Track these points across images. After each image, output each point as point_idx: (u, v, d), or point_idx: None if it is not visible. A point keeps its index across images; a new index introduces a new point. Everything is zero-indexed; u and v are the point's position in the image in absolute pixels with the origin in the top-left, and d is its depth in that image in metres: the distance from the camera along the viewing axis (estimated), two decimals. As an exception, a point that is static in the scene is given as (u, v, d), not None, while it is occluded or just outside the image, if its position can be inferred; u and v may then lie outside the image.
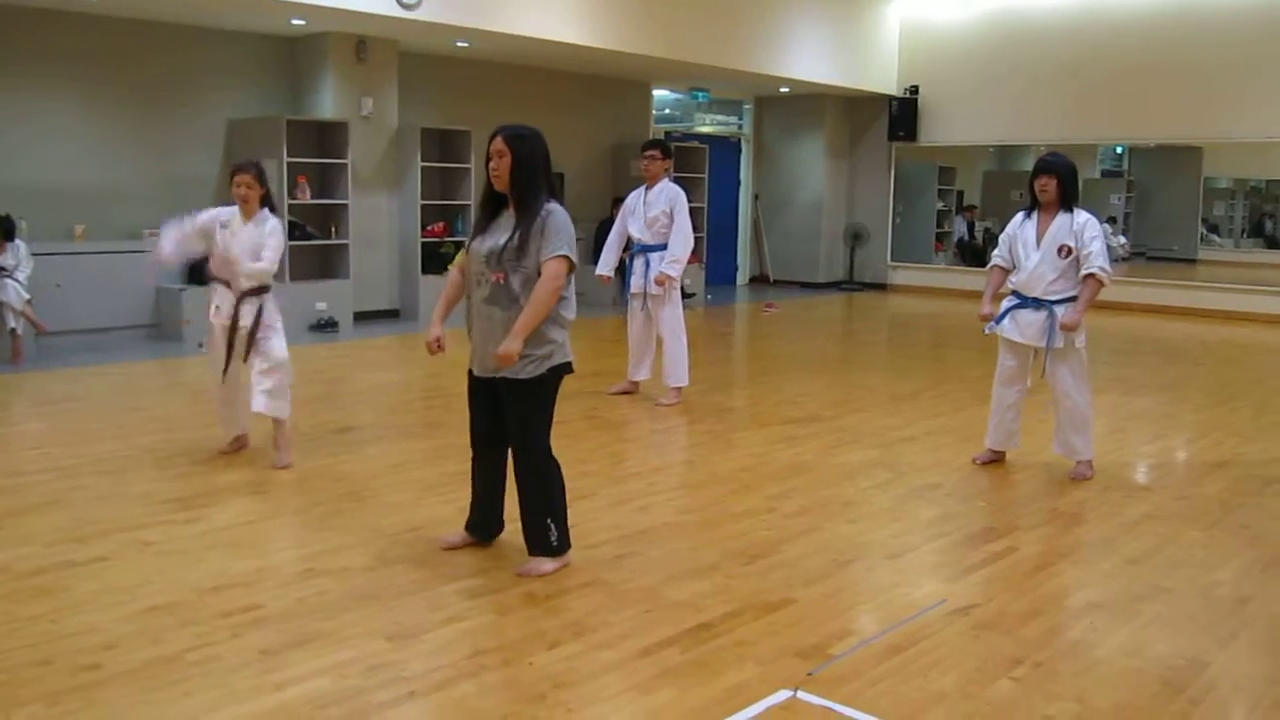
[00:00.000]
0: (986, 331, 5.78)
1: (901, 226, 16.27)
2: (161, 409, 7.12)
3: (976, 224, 17.01)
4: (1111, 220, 16.75)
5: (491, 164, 4.00)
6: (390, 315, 11.61)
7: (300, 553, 4.35)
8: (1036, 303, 5.56)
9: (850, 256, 16.39)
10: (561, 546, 4.15)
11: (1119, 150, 16.94)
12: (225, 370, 5.70)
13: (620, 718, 3.07)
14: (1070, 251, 5.46)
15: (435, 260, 11.72)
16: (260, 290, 5.63)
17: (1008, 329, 5.69)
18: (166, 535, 4.50)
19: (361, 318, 11.11)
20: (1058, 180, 5.50)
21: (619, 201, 13.16)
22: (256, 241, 5.57)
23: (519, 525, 4.27)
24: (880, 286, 16.20)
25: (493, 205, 4.09)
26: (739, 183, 16.55)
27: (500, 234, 4.00)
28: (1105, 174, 17.51)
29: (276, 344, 5.62)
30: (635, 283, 7.45)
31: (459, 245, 11.80)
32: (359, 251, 10.99)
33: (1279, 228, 15.25)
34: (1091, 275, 5.42)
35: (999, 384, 5.86)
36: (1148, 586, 4.18)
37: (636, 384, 7.67)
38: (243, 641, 3.46)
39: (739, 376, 9.39)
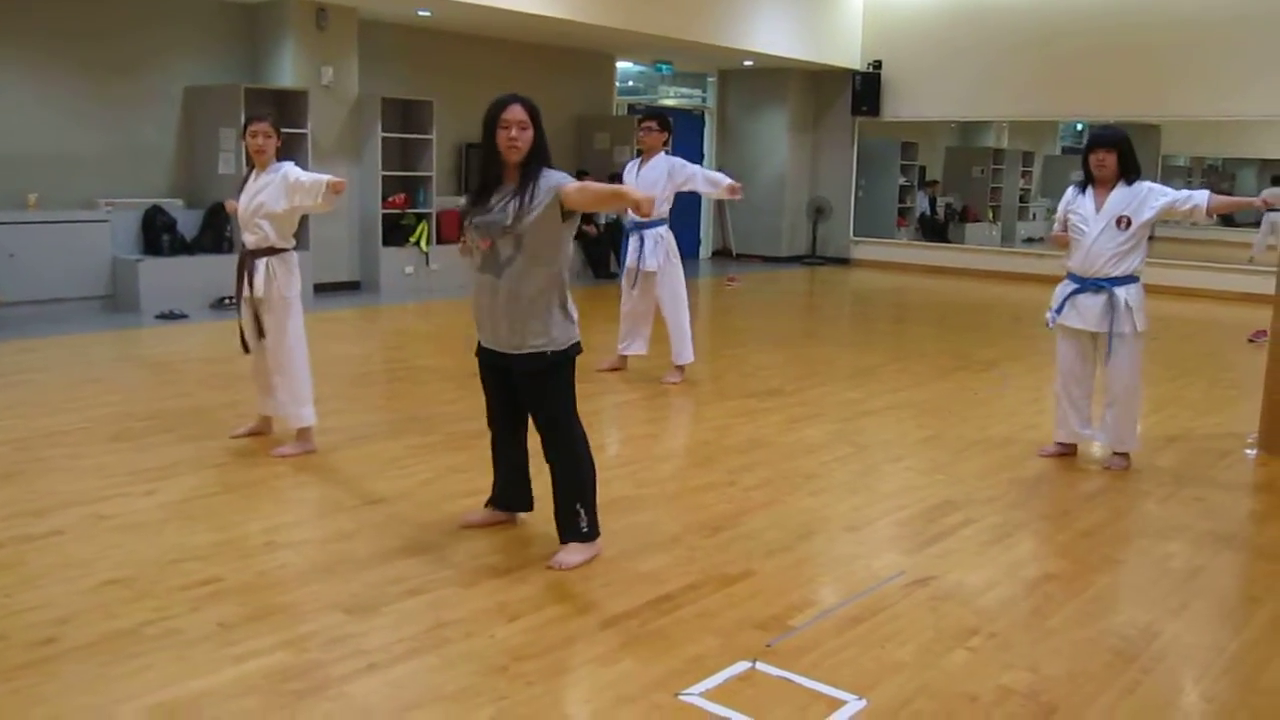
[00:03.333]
0: (1049, 326, 5.50)
1: (864, 201, 16.33)
2: (118, 381, 7.04)
3: (938, 199, 17.11)
4: (1071, 196, 16.88)
5: (511, 134, 3.73)
6: (350, 287, 11.52)
7: (259, 526, 4.33)
8: (1095, 285, 5.30)
9: (813, 231, 16.43)
10: (592, 533, 4.00)
11: (1079, 127, 17.05)
12: (244, 341, 5.39)
13: (581, 689, 3.09)
14: (1130, 223, 5.18)
15: (396, 232, 11.63)
16: (269, 251, 5.21)
17: (1067, 316, 5.39)
18: (124, 508, 4.46)
19: (321, 290, 11.01)
20: (1117, 154, 5.19)
21: (615, 178, 13.20)
22: (265, 193, 5.17)
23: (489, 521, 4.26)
24: (842, 261, 16.26)
25: (492, 177, 3.86)
26: (702, 156, 16.51)
27: (497, 203, 3.81)
28: (1065, 150, 17.63)
29: (285, 343, 5.26)
30: (630, 259, 7.33)
31: (420, 217, 11.73)
32: (318, 222, 10.86)
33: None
34: (1200, 205, 5.19)
35: (1063, 375, 5.54)
36: (1102, 558, 4.25)
37: (625, 359, 7.63)
38: (201, 615, 3.44)
39: (701, 350, 9.37)
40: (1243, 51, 12.74)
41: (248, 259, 5.26)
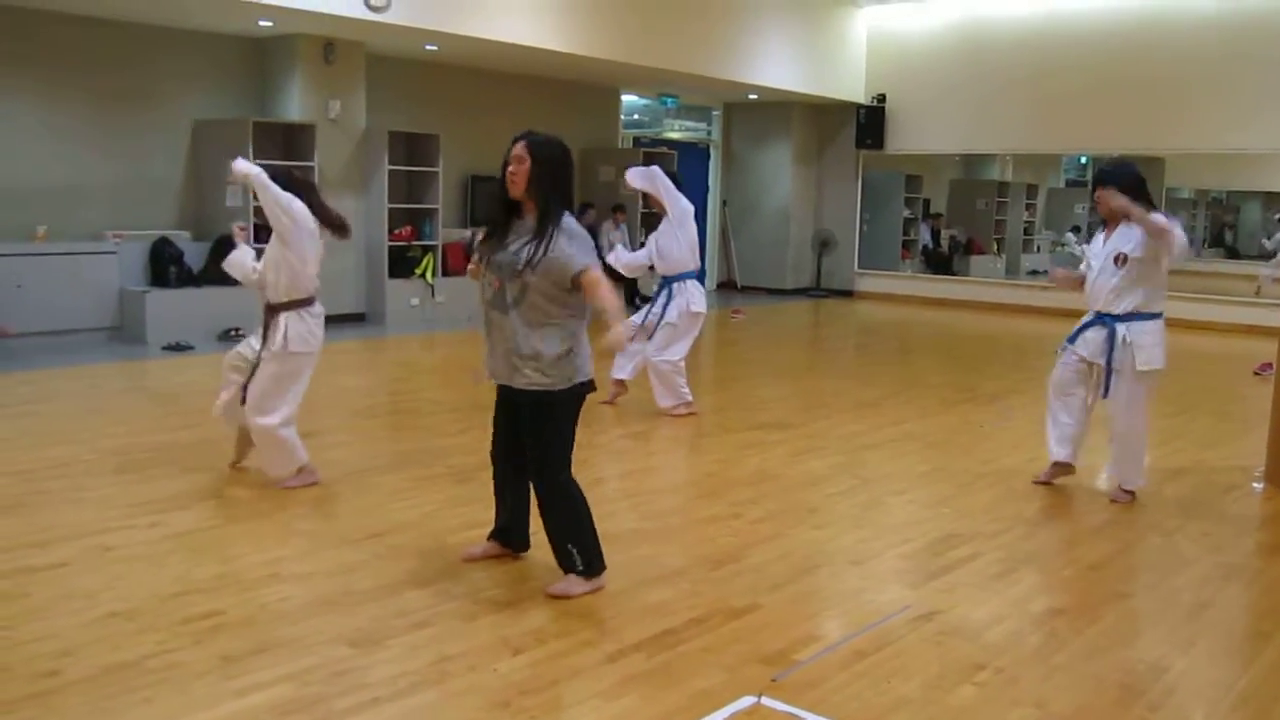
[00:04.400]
0: (1059, 351, 5.56)
1: (868, 234, 16.37)
2: (124, 412, 7.05)
3: (942, 232, 17.15)
4: (1075, 229, 16.93)
5: (510, 169, 3.82)
6: (356, 319, 11.55)
7: (263, 558, 4.32)
8: (1100, 320, 5.35)
9: (817, 263, 16.46)
10: (590, 569, 3.97)
11: (1083, 160, 17.13)
12: (224, 401, 5.33)
13: (585, 724, 3.07)
14: (1126, 260, 5.20)
15: (402, 264, 11.67)
16: (287, 306, 5.19)
17: (1078, 345, 5.44)
18: (127, 540, 4.45)
19: (327, 321, 10.92)
20: (1117, 190, 5.19)
21: (619, 209, 13.22)
22: (272, 253, 5.19)
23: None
24: (847, 293, 16.28)
25: (506, 213, 3.92)
26: (707, 189, 16.58)
27: (513, 243, 3.85)
28: (1070, 183, 17.69)
29: (260, 403, 5.09)
30: (655, 312, 7.28)
31: (426, 249, 11.77)
32: (326, 253, 10.88)
33: (1239, 238, 15.48)
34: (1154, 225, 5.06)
35: (1052, 389, 5.59)
36: (1108, 592, 4.22)
37: (624, 384, 7.58)
38: (204, 648, 3.43)
39: (706, 382, 9.40)
40: (1247, 85, 12.79)
41: (267, 314, 5.23)
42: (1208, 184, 16.67)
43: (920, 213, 16.91)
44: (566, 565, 4.00)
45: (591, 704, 3.16)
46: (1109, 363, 5.28)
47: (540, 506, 4.03)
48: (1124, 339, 5.24)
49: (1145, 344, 5.24)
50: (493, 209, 3.97)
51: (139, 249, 9.94)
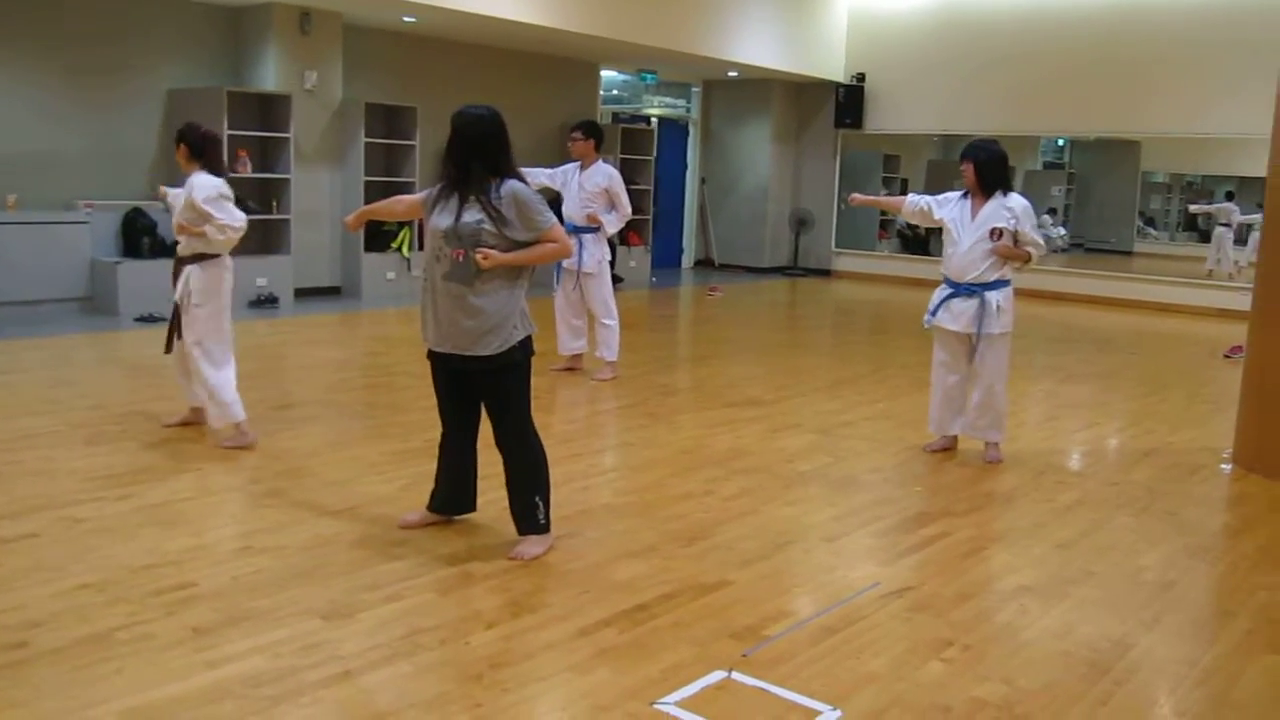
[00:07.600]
0: (925, 325, 5.80)
1: (846, 213, 16.39)
2: (95, 384, 6.99)
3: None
4: (1052, 211, 17.02)
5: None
6: (331, 292, 11.49)
7: (235, 530, 4.31)
8: (968, 290, 5.59)
9: (795, 242, 16.48)
10: (548, 525, 4.14)
11: (1060, 143, 17.19)
12: (168, 343, 5.59)
13: (556, 697, 3.08)
14: (1002, 234, 5.48)
15: (378, 238, 11.60)
16: (195, 257, 5.41)
17: (943, 319, 5.70)
18: (98, 512, 4.43)
19: (302, 294, 10.97)
20: (974, 166, 5.50)
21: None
22: (178, 203, 5.42)
23: (479, 513, 4.26)
24: (824, 272, 16.32)
25: (449, 182, 4.02)
26: (685, 166, 16.56)
27: (455, 211, 3.93)
28: (1047, 166, 17.73)
29: (198, 347, 5.40)
30: (568, 262, 7.41)
31: (402, 223, 11.71)
32: (300, 227, 10.86)
33: (1212, 222, 15.60)
34: (1029, 253, 5.56)
35: (937, 372, 5.86)
36: (1076, 571, 4.27)
37: (578, 358, 7.74)
38: (175, 620, 3.42)
39: (682, 359, 9.42)
40: (1221, 70, 12.85)
41: (177, 264, 5.48)
42: (1183, 168, 16.77)
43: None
44: (528, 522, 4.10)
45: (563, 677, 3.17)
46: (979, 329, 5.58)
47: (505, 462, 4.12)
48: (996, 305, 5.56)
49: (1006, 308, 5.61)
50: (439, 179, 4.09)
51: (111, 219, 9.84)
